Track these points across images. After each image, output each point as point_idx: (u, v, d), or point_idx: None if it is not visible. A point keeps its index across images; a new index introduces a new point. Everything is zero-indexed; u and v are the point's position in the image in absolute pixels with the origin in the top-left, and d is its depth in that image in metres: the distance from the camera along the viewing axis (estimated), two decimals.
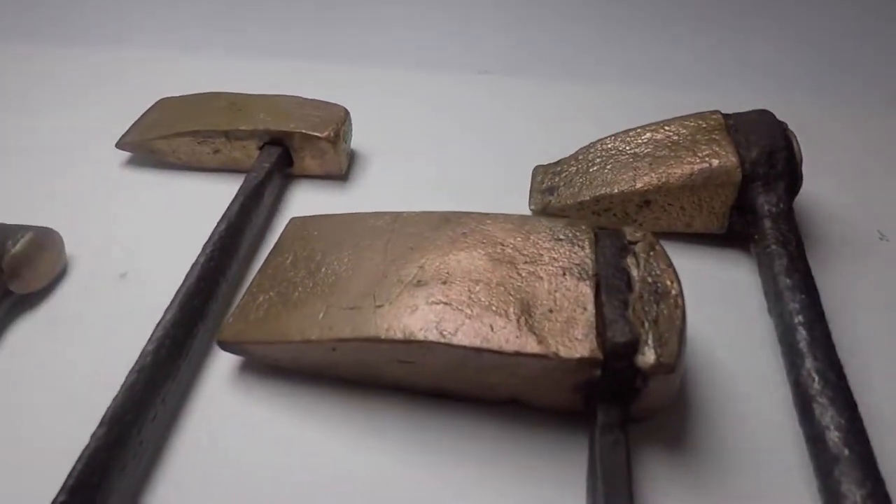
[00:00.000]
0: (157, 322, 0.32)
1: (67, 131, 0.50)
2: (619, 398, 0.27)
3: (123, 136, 0.46)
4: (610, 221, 0.39)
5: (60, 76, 0.57)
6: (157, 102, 0.48)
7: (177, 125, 0.44)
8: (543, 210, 0.41)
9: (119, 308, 0.37)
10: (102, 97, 0.53)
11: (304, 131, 0.41)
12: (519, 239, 0.31)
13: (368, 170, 0.45)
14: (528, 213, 0.41)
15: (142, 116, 0.47)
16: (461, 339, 0.27)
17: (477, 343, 0.27)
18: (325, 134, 0.41)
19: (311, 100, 0.44)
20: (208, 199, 0.43)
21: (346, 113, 0.43)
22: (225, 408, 0.32)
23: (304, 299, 0.32)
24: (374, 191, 0.44)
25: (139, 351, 0.31)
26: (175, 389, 0.31)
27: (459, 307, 0.28)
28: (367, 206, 0.42)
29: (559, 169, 0.42)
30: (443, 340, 0.27)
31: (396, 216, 0.35)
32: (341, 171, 0.43)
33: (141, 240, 0.41)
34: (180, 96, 0.48)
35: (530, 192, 0.42)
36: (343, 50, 0.60)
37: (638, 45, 0.61)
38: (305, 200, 0.43)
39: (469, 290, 0.29)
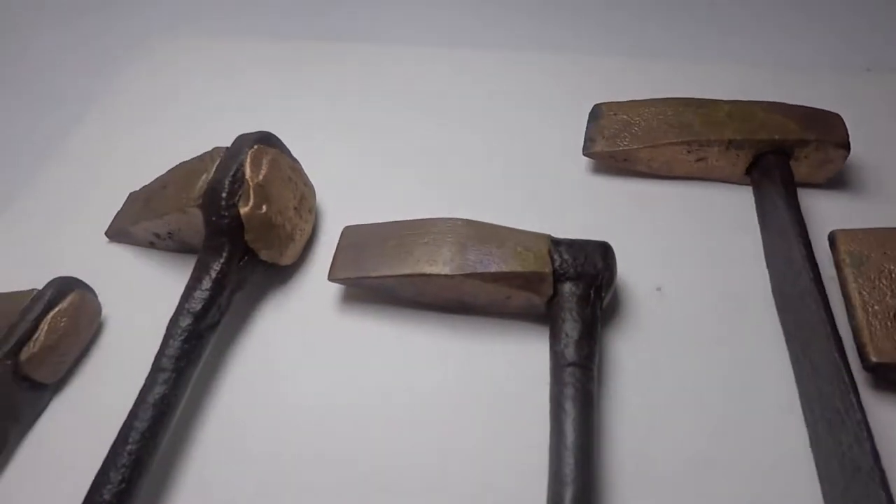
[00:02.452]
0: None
1: (535, 141, 0.49)
2: None
3: (589, 144, 0.45)
4: None
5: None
6: (597, 109, 0.47)
7: (666, 134, 0.43)
8: None
9: (662, 322, 0.38)
10: (539, 106, 0.52)
11: (822, 139, 0.41)
12: None
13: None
14: None
15: (593, 125, 0.46)
16: None
17: None
18: (842, 142, 0.41)
19: (798, 106, 0.43)
20: (711, 209, 0.43)
21: (842, 118, 0.42)
22: None
23: None
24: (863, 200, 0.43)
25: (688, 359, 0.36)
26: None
27: None
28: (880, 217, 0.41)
29: None
30: None
31: None
32: (829, 178, 0.43)
33: (664, 252, 0.41)
34: (627, 103, 0.47)
35: None
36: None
37: None
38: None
39: None
